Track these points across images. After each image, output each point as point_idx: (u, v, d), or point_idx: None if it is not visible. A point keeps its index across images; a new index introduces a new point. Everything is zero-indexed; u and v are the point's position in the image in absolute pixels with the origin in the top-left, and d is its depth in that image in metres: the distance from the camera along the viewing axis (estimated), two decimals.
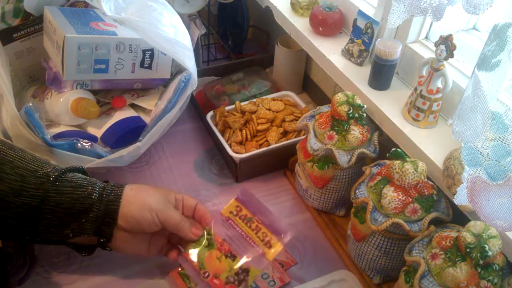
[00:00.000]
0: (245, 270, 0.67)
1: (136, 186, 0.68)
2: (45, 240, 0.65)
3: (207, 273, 0.68)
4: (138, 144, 0.82)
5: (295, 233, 0.75)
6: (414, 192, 0.65)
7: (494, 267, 0.55)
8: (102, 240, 0.65)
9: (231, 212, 0.73)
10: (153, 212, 0.65)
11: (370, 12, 0.85)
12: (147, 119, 0.89)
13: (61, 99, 0.84)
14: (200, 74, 0.96)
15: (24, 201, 0.60)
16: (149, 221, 0.65)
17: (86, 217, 0.63)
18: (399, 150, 0.66)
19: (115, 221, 0.64)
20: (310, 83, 1.12)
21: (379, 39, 0.77)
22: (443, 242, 0.59)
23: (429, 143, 0.70)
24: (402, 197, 0.64)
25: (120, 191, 0.65)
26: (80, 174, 0.67)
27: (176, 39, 0.83)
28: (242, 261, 0.68)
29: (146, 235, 0.68)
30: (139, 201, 0.65)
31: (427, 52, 0.77)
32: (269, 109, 0.93)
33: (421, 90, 0.71)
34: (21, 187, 0.60)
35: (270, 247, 0.69)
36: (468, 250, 0.54)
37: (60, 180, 0.63)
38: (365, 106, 0.75)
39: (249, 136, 0.89)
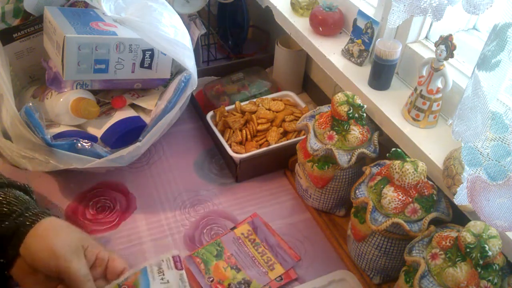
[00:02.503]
0: (247, 281, 0.72)
1: (58, 222, 0.61)
2: None
3: (211, 278, 0.72)
4: (138, 144, 0.81)
5: (298, 261, 0.76)
6: (414, 192, 0.65)
7: (494, 267, 0.55)
8: (2, 261, 0.60)
9: (242, 234, 0.79)
10: (55, 257, 0.57)
11: (370, 12, 0.85)
12: (147, 119, 0.89)
13: (61, 99, 0.84)
14: (200, 74, 0.96)
15: None
16: (45, 264, 0.58)
17: None
18: (399, 150, 0.66)
19: (18, 245, 0.58)
20: (310, 83, 1.12)
21: (379, 39, 0.77)
22: (443, 242, 0.59)
23: (429, 143, 0.70)
24: (402, 197, 0.64)
25: (37, 220, 0.59)
26: (17, 192, 0.63)
27: (176, 39, 0.83)
28: (246, 274, 0.73)
29: (52, 282, 0.60)
30: (47, 236, 0.59)
31: (427, 52, 0.77)
32: (269, 109, 0.93)
33: (421, 90, 0.71)
34: None
35: (273, 269, 0.74)
36: (468, 250, 0.54)
37: None
38: (365, 106, 0.75)
39: (249, 136, 0.89)
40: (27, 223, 0.59)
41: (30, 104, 0.76)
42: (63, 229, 0.61)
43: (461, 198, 0.54)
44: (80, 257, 0.59)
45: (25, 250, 0.58)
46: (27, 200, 0.63)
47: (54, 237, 0.59)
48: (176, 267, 0.69)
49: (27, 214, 0.60)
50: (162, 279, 0.67)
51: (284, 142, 0.88)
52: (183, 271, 0.68)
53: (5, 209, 0.60)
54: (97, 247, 0.63)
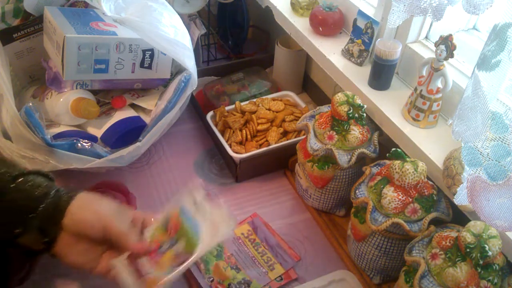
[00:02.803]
0: (247, 281, 0.72)
1: (92, 194, 0.65)
2: None
3: (211, 278, 0.72)
4: (138, 144, 0.82)
5: (297, 262, 0.76)
6: (414, 192, 0.65)
7: (494, 267, 0.55)
8: (46, 240, 0.62)
9: (242, 234, 0.80)
10: (99, 217, 0.62)
11: (370, 12, 0.85)
12: (147, 119, 0.89)
13: (61, 99, 0.84)
14: (200, 74, 0.96)
15: None
16: (92, 225, 0.61)
17: (34, 212, 0.60)
18: (399, 150, 0.66)
19: (61, 219, 0.61)
20: (310, 83, 1.12)
21: (379, 39, 0.77)
22: (443, 242, 0.59)
23: (429, 143, 0.70)
24: (402, 197, 0.64)
25: (74, 194, 0.63)
26: (41, 177, 0.64)
27: (176, 39, 0.83)
28: (246, 274, 0.73)
29: (95, 248, 0.63)
30: (89, 205, 0.63)
31: (427, 52, 0.77)
32: (269, 109, 0.93)
33: (421, 90, 0.71)
34: None
35: (273, 269, 0.74)
36: (468, 250, 0.54)
37: (18, 178, 0.61)
38: (365, 106, 0.75)
39: (249, 136, 0.89)
40: (64, 199, 0.62)
41: (30, 104, 0.76)
42: (100, 198, 0.65)
43: (461, 198, 0.54)
44: (121, 216, 0.64)
45: (70, 220, 0.62)
46: (53, 184, 0.65)
47: (96, 203, 0.63)
48: (210, 197, 0.67)
49: (60, 193, 0.63)
50: (202, 212, 0.66)
51: (284, 142, 0.88)
52: (219, 201, 0.69)
53: (37, 192, 0.62)
54: (130, 209, 0.68)
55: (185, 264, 0.62)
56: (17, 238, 0.61)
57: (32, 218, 0.61)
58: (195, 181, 0.69)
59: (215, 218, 0.65)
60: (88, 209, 0.63)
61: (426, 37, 0.80)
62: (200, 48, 1.16)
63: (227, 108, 0.95)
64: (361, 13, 0.85)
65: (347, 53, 0.87)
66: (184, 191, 0.68)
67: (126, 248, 0.63)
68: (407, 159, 0.65)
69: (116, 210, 0.64)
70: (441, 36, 0.66)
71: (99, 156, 0.79)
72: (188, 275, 0.72)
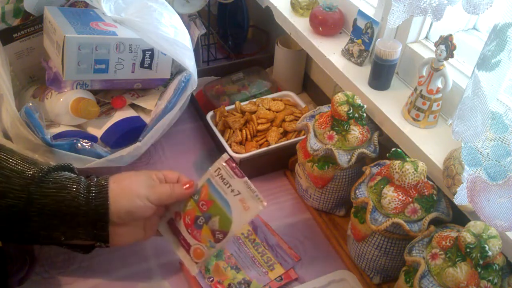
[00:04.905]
0: (247, 281, 0.72)
1: (118, 178, 0.66)
2: (37, 241, 0.64)
3: (211, 278, 0.73)
4: (138, 144, 0.82)
5: (298, 262, 0.76)
6: (414, 192, 0.65)
7: (494, 267, 0.55)
8: (99, 244, 0.65)
9: (242, 234, 0.79)
10: (142, 197, 0.64)
11: (370, 12, 0.85)
12: (147, 119, 0.89)
13: (61, 99, 0.84)
14: (200, 74, 0.96)
15: (10, 203, 0.59)
16: (142, 207, 0.65)
17: (74, 222, 0.62)
18: (399, 150, 0.66)
19: (107, 223, 0.63)
20: (310, 83, 1.12)
21: (379, 39, 0.77)
22: (443, 242, 0.59)
23: (429, 143, 0.70)
24: (402, 197, 0.64)
25: (105, 191, 0.64)
26: (65, 173, 0.65)
27: (176, 39, 0.83)
28: (246, 274, 0.73)
29: (140, 222, 0.68)
30: (126, 192, 0.64)
31: (427, 52, 0.77)
32: (269, 109, 0.93)
33: (421, 90, 0.71)
34: (6, 188, 0.59)
35: (273, 269, 0.74)
36: (468, 250, 0.54)
37: (43, 181, 0.61)
38: (365, 106, 0.75)
39: (249, 136, 0.89)
40: (99, 202, 0.63)
41: (30, 104, 0.76)
42: (128, 178, 0.67)
43: (461, 198, 0.54)
44: (153, 183, 0.67)
45: (118, 215, 0.64)
46: (77, 180, 0.65)
47: (131, 186, 0.65)
48: (237, 175, 0.67)
49: (91, 196, 0.63)
50: (232, 190, 0.67)
51: (284, 142, 0.88)
52: (246, 178, 0.66)
53: (71, 193, 0.62)
54: (151, 171, 0.70)
55: (223, 241, 0.66)
56: (64, 241, 0.64)
57: (77, 227, 0.63)
58: (222, 156, 0.69)
59: (244, 196, 0.66)
60: (127, 196, 0.64)
61: (426, 37, 0.80)
62: (200, 48, 1.16)
63: (227, 108, 0.95)
64: (361, 13, 0.85)
65: (347, 53, 0.87)
66: (211, 166, 0.69)
67: (184, 196, 0.68)
68: (407, 159, 0.65)
69: (146, 179, 0.67)
70: (441, 36, 0.66)
71: (99, 156, 0.79)
72: (187, 275, 0.72)
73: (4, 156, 0.62)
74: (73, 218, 0.62)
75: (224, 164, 0.68)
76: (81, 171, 0.70)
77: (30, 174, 0.61)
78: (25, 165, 0.62)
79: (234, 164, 0.68)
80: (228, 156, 0.68)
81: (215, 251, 0.67)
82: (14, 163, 0.62)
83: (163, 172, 0.70)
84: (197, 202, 0.68)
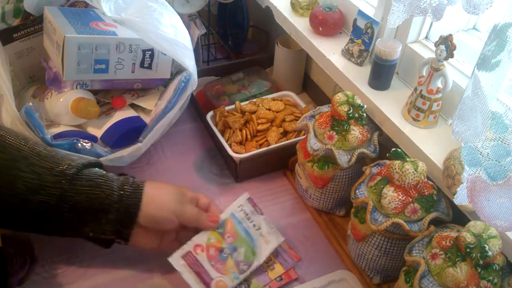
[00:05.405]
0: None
1: (154, 185, 0.68)
2: (64, 235, 0.67)
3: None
4: (138, 144, 0.82)
5: (298, 261, 0.76)
6: (414, 192, 0.65)
7: (494, 267, 0.55)
8: (120, 241, 0.67)
9: None
10: (171, 211, 0.67)
11: (370, 12, 0.85)
12: (147, 119, 0.89)
13: (61, 99, 0.84)
14: (200, 74, 0.96)
15: (42, 200, 0.61)
16: (168, 220, 0.67)
17: (105, 218, 0.64)
18: (399, 150, 0.66)
19: (134, 223, 0.65)
20: (310, 83, 1.12)
21: (379, 39, 0.77)
22: (443, 242, 0.59)
23: (429, 143, 0.70)
24: (402, 197, 0.64)
25: (140, 192, 0.66)
26: (97, 170, 0.67)
27: (176, 39, 0.83)
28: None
29: (160, 231, 0.70)
30: (158, 201, 0.67)
31: (427, 52, 0.77)
32: (269, 109, 0.93)
33: (421, 90, 0.71)
34: (38, 185, 0.61)
35: (273, 269, 0.74)
36: (468, 250, 0.54)
37: (77, 179, 0.63)
38: (365, 106, 0.75)
39: (249, 136, 0.89)
40: (131, 202, 0.65)
41: (30, 104, 0.76)
42: (164, 189, 0.69)
43: (461, 198, 0.54)
44: (185, 202, 0.69)
45: (145, 219, 0.66)
46: (111, 178, 0.66)
47: (164, 198, 0.68)
48: (257, 212, 0.75)
49: (125, 194, 0.65)
50: (254, 225, 0.74)
51: (284, 142, 0.88)
52: (265, 215, 0.75)
53: (104, 191, 0.64)
54: (187, 189, 0.72)
55: (247, 272, 0.70)
56: (90, 235, 0.66)
57: (105, 223, 0.64)
58: (243, 194, 0.76)
59: (264, 231, 0.74)
60: (158, 205, 0.67)
61: (426, 37, 0.80)
62: (200, 48, 1.16)
63: (227, 108, 0.95)
64: (361, 13, 0.85)
65: (347, 53, 0.87)
66: (233, 202, 0.75)
67: (202, 228, 0.71)
68: (407, 159, 0.65)
69: (179, 197, 0.69)
70: (441, 36, 0.66)
71: (99, 156, 0.79)
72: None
73: (32, 151, 0.63)
74: (105, 215, 0.64)
75: (246, 201, 0.75)
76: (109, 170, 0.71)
77: (60, 170, 0.63)
78: (54, 161, 0.63)
79: (254, 202, 0.76)
80: (249, 195, 0.76)
81: (238, 282, 0.69)
82: (43, 159, 0.63)
83: (197, 194, 0.73)
84: (223, 234, 0.72)
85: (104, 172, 0.67)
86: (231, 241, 0.71)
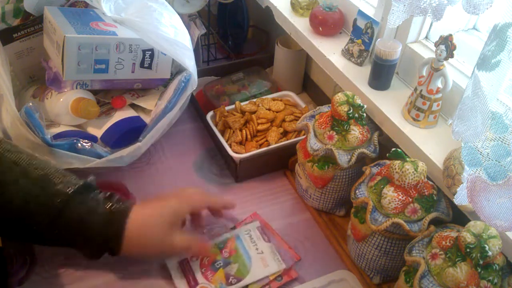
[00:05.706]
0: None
1: (140, 214, 0.67)
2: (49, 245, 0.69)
3: None
4: (138, 144, 0.82)
5: (297, 260, 0.76)
6: (414, 192, 0.65)
7: (494, 267, 0.55)
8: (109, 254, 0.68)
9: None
10: (156, 251, 0.68)
11: (370, 12, 0.85)
12: (147, 119, 0.89)
13: (61, 99, 0.84)
14: (200, 74, 0.96)
15: (36, 221, 0.62)
16: (153, 258, 0.70)
17: (91, 243, 0.65)
18: (399, 150, 0.66)
19: (120, 243, 0.65)
20: (310, 83, 1.12)
21: (379, 39, 0.77)
22: (443, 242, 0.59)
23: (429, 143, 0.70)
24: (402, 197, 0.64)
25: (123, 226, 0.65)
26: (82, 205, 0.65)
27: (176, 39, 0.83)
28: None
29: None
30: (145, 224, 0.66)
31: (427, 52, 0.77)
32: (269, 109, 0.93)
33: (421, 90, 0.71)
34: (33, 208, 0.62)
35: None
36: (468, 250, 0.54)
37: (71, 201, 0.64)
38: (365, 106, 0.75)
39: (249, 136, 0.89)
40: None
41: (30, 104, 0.76)
42: (150, 220, 0.67)
43: (461, 198, 0.54)
44: (175, 228, 0.68)
45: (127, 247, 0.65)
46: (100, 200, 0.66)
47: (152, 222, 0.66)
48: (264, 240, 0.76)
49: (112, 212, 0.65)
50: (256, 249, 0.75)
51: (284, 142, 0.88)
52: (272, 244, 0.76)
53: (89, 209, 0.65)
54: (184, 204, 0.71)
55: (234, 285, 0.70)
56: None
57: (91, 247, 0.65)
58: (254, 222, 0.79)
59: (266, 256, 0.74)
60: (145, 233, 0.66)
61: (426, 37, 0.80)
62: (200, 48, 1.16)
63: (227, 108, 0.95)
64: (361, 13, 0.85)
65: (347, 53, 0.87)
66: (242, 226, 0.78)
67: (192, 255, 0.72)
68: (407, 159, 0.65)
69: (168, 228, 0.67)
70: (441, 36, 0.66)
71: (99, 156, 0.79)
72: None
73: (22, 171, 0.63)
74: (90, 241, 0.65)
75: (255, 228, 0.78)
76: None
77: (55, 189, 0.63)
78: (47, 183, 0.64)
79: (263, 230, 0.78)
80: (259, 224, 0.79)
81: None
82: (35, 181, 0.63)
83: (196, 207, 0.73)
84: (221, 249, 0.74)
85: (90, 205, 0.65)
86: (227, 255, 0.73)
